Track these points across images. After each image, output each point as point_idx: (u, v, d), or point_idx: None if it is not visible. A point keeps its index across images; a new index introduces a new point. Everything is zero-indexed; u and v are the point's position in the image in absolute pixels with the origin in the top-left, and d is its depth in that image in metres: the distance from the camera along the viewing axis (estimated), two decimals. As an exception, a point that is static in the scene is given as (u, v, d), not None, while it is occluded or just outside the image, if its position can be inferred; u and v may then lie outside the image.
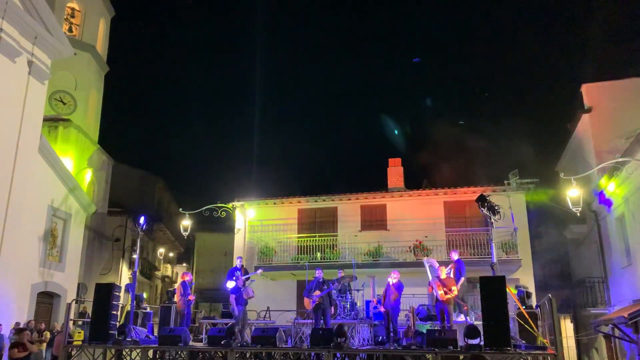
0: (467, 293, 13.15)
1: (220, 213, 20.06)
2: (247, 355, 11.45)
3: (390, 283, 11.62)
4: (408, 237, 18.39)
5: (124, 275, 25.68)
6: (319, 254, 18.78)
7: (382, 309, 11.58)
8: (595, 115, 18.56)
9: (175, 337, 10.90)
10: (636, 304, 14.28)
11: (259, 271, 14.73)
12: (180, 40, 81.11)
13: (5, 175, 14.87)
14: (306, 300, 12.12)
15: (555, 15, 61.34)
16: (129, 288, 13.72)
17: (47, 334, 14.24)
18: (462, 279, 11.64)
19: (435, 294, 11.27)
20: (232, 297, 12.21)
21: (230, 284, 13.09)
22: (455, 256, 12.25)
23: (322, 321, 11.65)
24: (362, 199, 20.05)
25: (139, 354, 11.42)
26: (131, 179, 29.37)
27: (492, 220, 11.00)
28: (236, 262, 14.29)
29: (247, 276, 13.41)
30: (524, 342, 9.91)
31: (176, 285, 14.10)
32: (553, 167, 23.65)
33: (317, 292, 11.68)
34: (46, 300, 17.81)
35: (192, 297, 13.04)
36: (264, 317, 14.90)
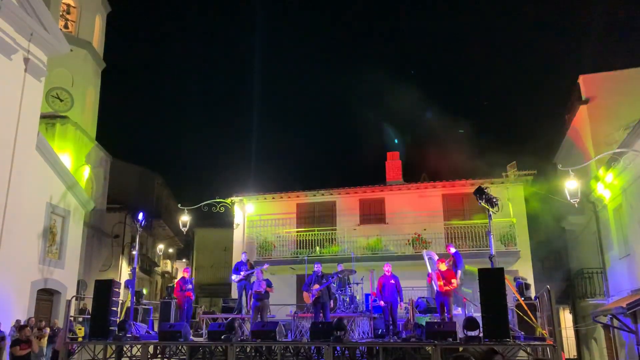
0: (466, 285, 13.17)
1: (219, 208, 20.06)
2: (248, 349, 11.50)
3: (388, 275, 11.69)
4: (407, 230, 18.42)
5: (124, 272, 25.69)
6: (318, 248, 18.81)
7: (382, 304, 11.60)
8: (593, 107, 18.54)
9: (176, 333, 10.94)
10: (634, 294, 14.34)
11: (266, 266, 14.79)
12: (178, 35, 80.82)
13: (3, 173, 14.85)
14: (305, 294, 12.17)
15: (553, 6, 61.19)
16: (128, 284, 13.75)
17: (47, 330, 14.26)
18: (459, 272, 11.67)
19: (434, 285, 11.33)
20: (244, 291, 12.39)
21: (235, 278, 13.25)
22: (452, 249, 12.28)
23: (321, 315, 11.70)
24: (361, 192, 20.05)
25: (140, 350, 11.45)
26: (130, 175, 29.34)
27: (491, 212, 11.02)
28: (241, 257, 14.43)
29: (248, 272, 13.51)
30: (522, 333, 9.97)
31: (175, 281, 14.22)
32: (551, 158, 23.66)
33: (317, 286, 11.73)
34: (46, 297, 17.82)
35: (189, 294, 12.98)
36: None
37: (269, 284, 12.35)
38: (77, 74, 23.63)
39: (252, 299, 12.31)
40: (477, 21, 66.28)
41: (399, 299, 11.62)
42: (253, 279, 13.07)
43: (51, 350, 13.74)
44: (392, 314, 11.48)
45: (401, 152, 22.28)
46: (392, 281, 11.64)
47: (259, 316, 12.07)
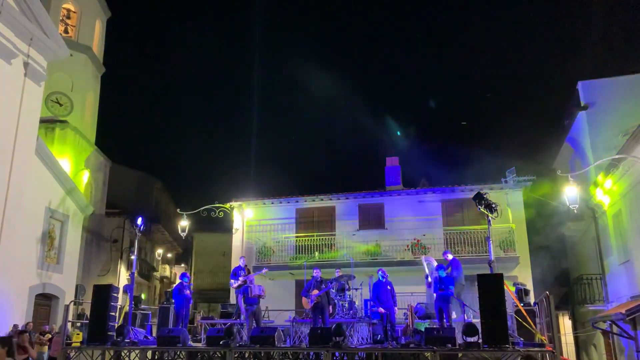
0: (465, 291, 13.16)
1: (218, 213, 20.03)
2: (246, 355, 11.45)
3: (383, 281, 11.67)
4: (406, 236, 18.42)
5: (122, 277, 25.64)
6: (317, 254, 18.79)
7: (381, 310, 11.55)
8: (592, 113, 18.54)
9: (174, 338, 10.90)
10: (634, 301, 14.32)
11: (264, 270, 14.73)
12: (177, 40, 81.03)
13: (2, 177, 14.83)
14: (304, 299, 12.13)
15: (552, 11, 61.43)
16: (127, 289, 13.70)
17: (48, 336, 14.21)
18: (457, 277, 11.63)
19: (432, 291, 11.30)
20: (240, 297, 12.29)
21: (234, 283, 13.20)
22: (449, 256, 12.24)
23: (320, 320, 11.66)
24: (360, 198, 20.05)
25: (138, 355, 11.41)
26: (129, 179, 29.34)
27: (490, 218, 11.00)
28: (240, 262, 14.33)
29: (247, 277, 13.42)
30: (522, 339, 9.93)
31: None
32: (550, 164, 23.66)
33: (315, 292, 11.70)
34: (44, 302, 17.77)
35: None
36: (263, 316, 14.89)
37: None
38: (77, 78, 23.68)
39: (247, 304, 12.20)
40: (478, 26, 66.52)
41: (393, 304, 11.61)
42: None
43: (48, 355, 13.66)
44: (389, 319, 11.45)
45: (401, 153, 22.32)
46: (388, 287, 11.64)
47: (254, 321, 12.03)
